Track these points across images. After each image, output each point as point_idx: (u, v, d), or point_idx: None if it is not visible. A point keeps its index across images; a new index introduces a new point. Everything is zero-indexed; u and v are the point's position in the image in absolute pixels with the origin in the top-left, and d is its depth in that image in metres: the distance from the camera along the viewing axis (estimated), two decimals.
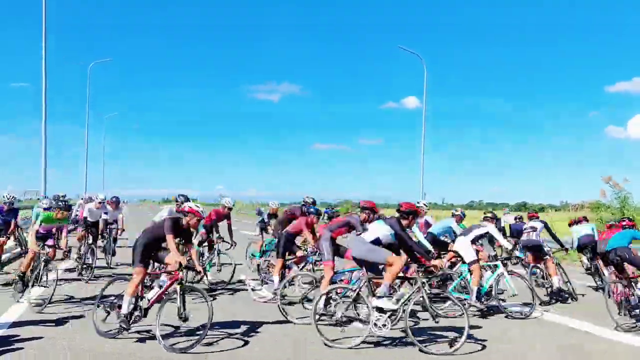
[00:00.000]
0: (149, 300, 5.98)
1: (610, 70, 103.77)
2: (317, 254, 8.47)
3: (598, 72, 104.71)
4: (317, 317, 6.06)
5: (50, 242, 8.50)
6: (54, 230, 8.63)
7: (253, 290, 8.68)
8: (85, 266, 10.34)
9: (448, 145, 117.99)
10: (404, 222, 6.21)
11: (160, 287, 6.08)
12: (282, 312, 7.02)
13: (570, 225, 11.08)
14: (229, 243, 10.12)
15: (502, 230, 13.39)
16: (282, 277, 8.24)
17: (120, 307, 5.92)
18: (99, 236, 11.70)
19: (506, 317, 7.57)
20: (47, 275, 7.97)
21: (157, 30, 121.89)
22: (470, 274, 7.81)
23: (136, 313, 5.91)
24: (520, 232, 11.25)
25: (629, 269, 7.49)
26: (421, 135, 32.15)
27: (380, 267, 6.27)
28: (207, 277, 8.92)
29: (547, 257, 9.37)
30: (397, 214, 6.43)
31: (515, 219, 15.08)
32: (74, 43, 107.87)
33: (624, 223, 8.38)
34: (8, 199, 11.22)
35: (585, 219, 11.21)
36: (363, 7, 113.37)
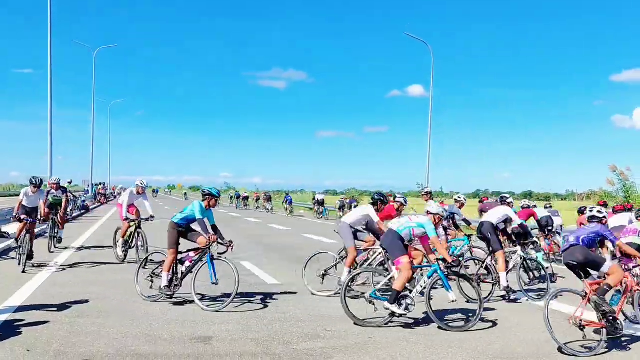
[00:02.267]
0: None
1: (617, 58, 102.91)
2: None
3: (604, 60, 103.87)
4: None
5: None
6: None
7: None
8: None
9: (454, 133, 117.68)
10: None
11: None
12: None
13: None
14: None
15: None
16: None
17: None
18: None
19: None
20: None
21: (162, 18, 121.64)
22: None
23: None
24: None
25: None
26: (426, 123, 32.11)
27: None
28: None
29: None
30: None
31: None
32: (79, 29, 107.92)
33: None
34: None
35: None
36: None
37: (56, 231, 12.22)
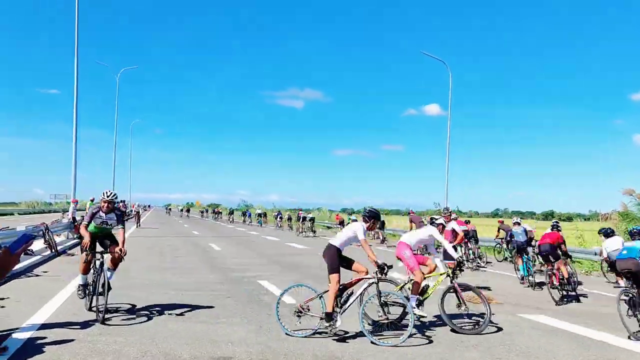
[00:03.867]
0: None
1: (636, 77, 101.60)
2: None
3: (623, 79, 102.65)
4: None
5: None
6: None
7: None
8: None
9: (471, 152, 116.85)
10: None
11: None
12: None
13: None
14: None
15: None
16: None
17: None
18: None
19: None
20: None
21: (181, 38, 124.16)
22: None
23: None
24: None
25: None
26: (443, 141, 32.04)
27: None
28: None
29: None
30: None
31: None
32: (103, 50, 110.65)
33: None
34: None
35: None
36: (386, 14, 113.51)
37: (103, 282, 7.14)
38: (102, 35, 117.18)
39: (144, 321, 7.12)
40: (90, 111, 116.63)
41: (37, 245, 15.59)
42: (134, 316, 7.39)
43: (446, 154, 31.84)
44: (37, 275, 11.23)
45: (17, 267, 11.67)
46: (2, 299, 8.23)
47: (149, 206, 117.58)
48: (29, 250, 14.20)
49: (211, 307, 8.28)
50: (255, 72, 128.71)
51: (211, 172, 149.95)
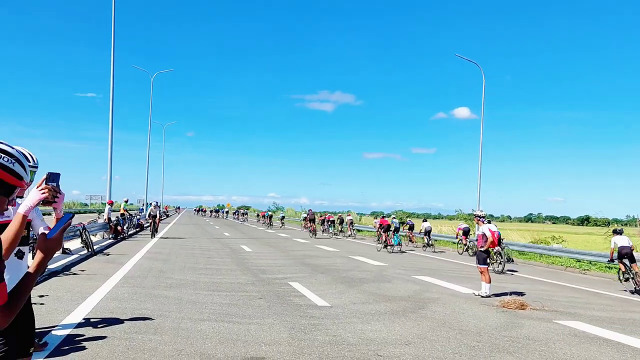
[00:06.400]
0: None
1: None
2: None
3: None
4: None
5: None
6: None
7: None
8: None
9: (503, 155, 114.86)
10: None
11: None
12: None
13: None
14: None
15: None
16: None
17: None
18: None
19: None
20: None
21: (213, 43, 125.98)
22: None
23: None
24: None
25: None
26: (473, 145, 31.59)
27: None
28: None
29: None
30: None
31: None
32: (138, 54, 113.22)
33: None
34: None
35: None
36: (416, 18, 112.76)
37: None
38: (138, 40, 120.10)
39: (178, 320, 7.23)
40: (125, 113, 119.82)
41: (74, 244, 16.03)
42: (169, 315, 7.50)
43: (479, 157, 31.29)
44: (75, 274, 11.52)
45: (55, 265, 12.01)
46: (42, 296, 8.48)
47: (179, 208, 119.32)
48: (66, 249, 14.61)
49: (243, 308, 8.35)
50: (286, 76, 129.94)
51: (242, 174, 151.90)
